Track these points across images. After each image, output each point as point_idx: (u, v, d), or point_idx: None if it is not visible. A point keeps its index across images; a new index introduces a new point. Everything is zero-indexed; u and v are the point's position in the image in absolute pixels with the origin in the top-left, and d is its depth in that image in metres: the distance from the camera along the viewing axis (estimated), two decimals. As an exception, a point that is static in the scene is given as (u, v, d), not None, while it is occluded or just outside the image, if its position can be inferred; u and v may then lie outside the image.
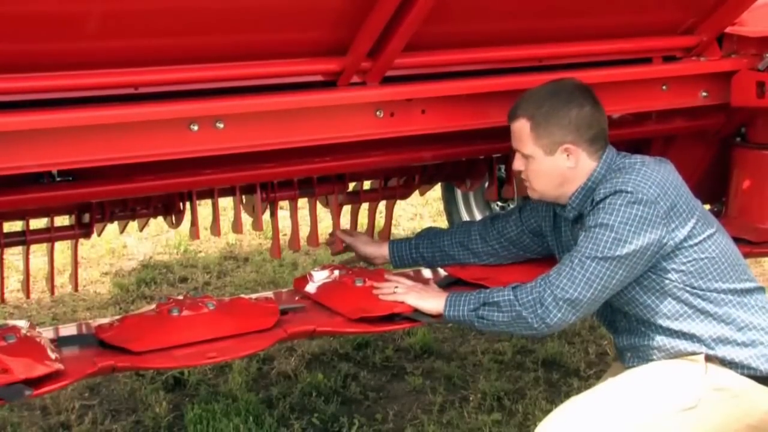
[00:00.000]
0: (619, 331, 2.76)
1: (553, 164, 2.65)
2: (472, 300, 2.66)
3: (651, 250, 2.52)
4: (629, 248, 2.50)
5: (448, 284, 3.11)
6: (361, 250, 3.20)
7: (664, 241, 2.53)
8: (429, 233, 3.17)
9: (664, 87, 3.15)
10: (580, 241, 2.57)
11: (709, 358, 2.56)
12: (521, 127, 2.67)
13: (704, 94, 3.22)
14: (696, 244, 2.57)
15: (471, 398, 3.82)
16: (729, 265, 2.61)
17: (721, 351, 2.56)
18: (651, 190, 2.53)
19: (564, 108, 2.63)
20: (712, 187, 3.54)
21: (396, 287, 2.80)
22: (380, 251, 3.17)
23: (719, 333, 2.57)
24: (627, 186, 2.54)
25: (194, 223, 3.25)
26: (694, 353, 2.57)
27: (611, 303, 2.77)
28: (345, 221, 3.70)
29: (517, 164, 2.73)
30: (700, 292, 2.57)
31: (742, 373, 2.56)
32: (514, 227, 3.04)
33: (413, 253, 3.13)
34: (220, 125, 2.53)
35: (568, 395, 2.68)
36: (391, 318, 2.81)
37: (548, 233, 2.95)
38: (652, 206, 2.52)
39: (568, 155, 2.64)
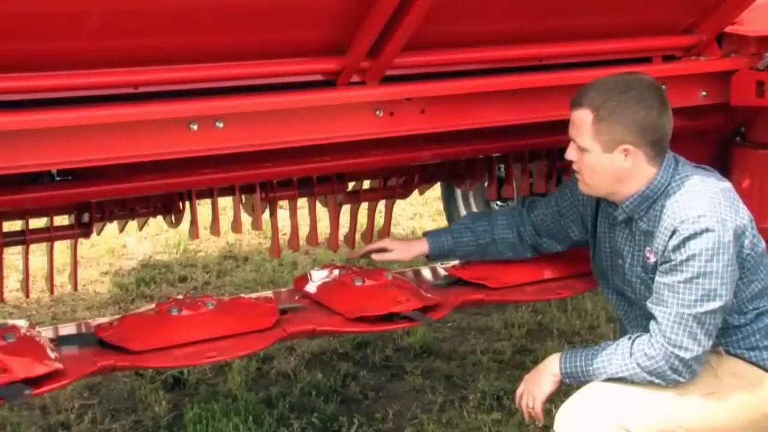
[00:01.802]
0: (633, 324, 2.78)
1: (609, 162, 2.57)
2: (594, 373, 2.58)
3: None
4: (732, 283, 2.51)
5: (449, 284, 3.11)
6: (397, 259, 3.10)
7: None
8: (472, 223, 3.08)
9: (663, 86, 3.15)
10: (682, 290, 2.48)
11: (728, 351, 2.63)
12: (583, 118, 2.57)
13: (704, 93, 3.22)
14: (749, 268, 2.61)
15: (471, 398, 3.82)
16: (763, 269, 2.65)
17: (740, 351, 2.64)
18: (732, 222, 2.49)
19: (633, 107, 2.53)
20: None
21: (526, 400, 2.71)
22: (417, 249, 3.07)
23: (739, 338, 2.64)
24: (711, 222, 2.47)
25: (194, 222, 3.25)
26: (712, 346, 2.59)
27: (630, 299, 2.78)
28: (344, 221, 3.70)
29: (570, 154, 2.63)
30: (733, 305, 2.59)
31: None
32: (551, 221, 3.01)
33: (457, 247, 3.07)
34: (220, 125, 2.53)
35: (567, 394, 2.68)
36: (389, 317, 2.81)
37: (589, 221, 2.90)
38: (738, 238, 2.52)
39: (626, 156, 2.56)
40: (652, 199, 2.60)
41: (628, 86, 2.57)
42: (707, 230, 2.46)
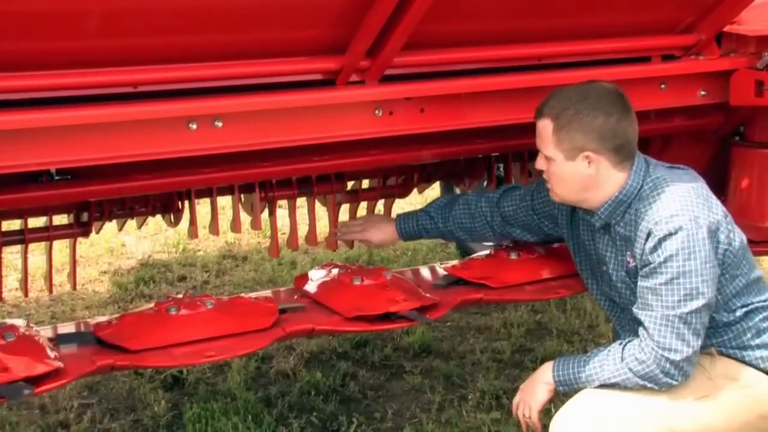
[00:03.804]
0: (626, 329, 2.78)
1: (574, 170, 2.59)
2: (586, 380, 2.57)
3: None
4: (713, 280, 2.50)
5: (448, 284, 3.11)
6: (374, 242, 3.27)
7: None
8: (434, 211, 3.17)
9: (662, 86, 3.15)
10: (664, 291, 2.48)
11: (720, 352, 2.62)
12: (544, 127, 2.60)
13: (703, 93, 3.22)
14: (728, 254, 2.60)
15: (470, 397, 3.82)
16: (746, 263, 2.65)
17: (732, 351, 2.64)
18: (706, 218, 2.50)
19: (589, 114, 2.55)
20: (711, 187, 3.53)
21: (522, 410, 2.69)
22: (391, 234, 3.21)
23: (730, 337, 2.64)
24: (684, 221, 2.48)
25: (193, 222, 3.24)
26: (704, 347, 2.60)
27: (619, 304, 2.78)
28: (343, 220, 3.70)
29: (540, 164, 2.67)
30: (719, 302, 2.60)
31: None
32: (524, 213, 3.03)
33: (421, 231, 3.19)
34: (219, 124, 2.53)
35: (567, 394, 2.69)
36: (387, 317, 2.81)
37: (564, 225, 2.92)
38: (713, 235, 2.52)
39: (589, 163, 2.57)
40: (627, 204, 2.61)
41: (586, 94, 2.59)
42: (680, 229, 2.47)
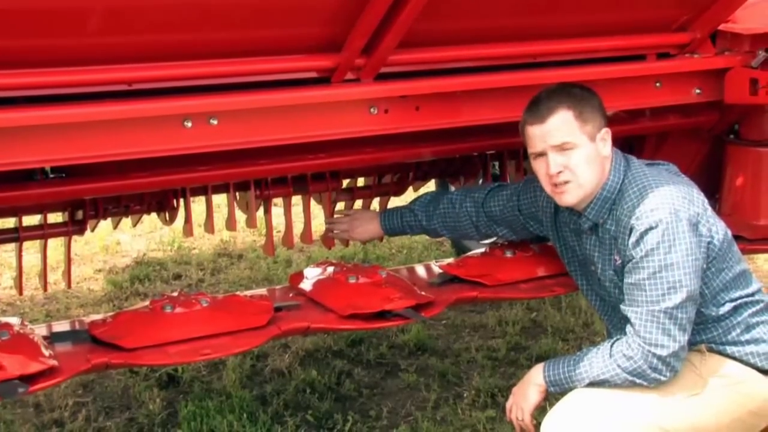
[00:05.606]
0: (616, 327, 2.78)
1: (596, 151, 2.60)
2: (577, 379, 2.58)
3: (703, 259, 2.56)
4: (696, 272, 2.50)
5: (443, 282, 3.11)
6: (361, 239, 3.36)
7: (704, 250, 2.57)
8: (418, 208, 3.18)
9: (657, 84, 3.16)
10: (647, 286, 2.49)
11: (710, 349, 2.62)
12: (563, 119, 2.57)
13: (698, 91, 3.22)
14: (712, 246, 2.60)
15: (465, 395, 3.82)
16: (731, 257, 2.64)
17: (722, 347, 2.63)
18: (686, 211, 2.50)
19: (590, 97, 2.63)
20: (706, 185, 3.54)
21: (515, 413, 2.70)
22: (376, 230, 3.25)
23: (720, 333, 2.63)
24: (664, 214, 2.48)
25: (188, 220, 3.24)
26: (694, 344, 2.60)
27: (610, 301, 2.78)
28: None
29: (556, 165, 2.58)
30: (707, 296, 2.60)
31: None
32: (510, 214, 3.05)
33: (405, 228, 3.23)
34: (214, 122, 2.53)
35: (561, 395, 2.69)
36: (383, 315, 2.81)
37: (548, 227, 2.94)
38: (695, 227, 2.52)
39: (604, 142, 2.61)
40: (611, 201, 2.62)
41: (568, 86, 2.65)
42: (660, 222, 2.48)
